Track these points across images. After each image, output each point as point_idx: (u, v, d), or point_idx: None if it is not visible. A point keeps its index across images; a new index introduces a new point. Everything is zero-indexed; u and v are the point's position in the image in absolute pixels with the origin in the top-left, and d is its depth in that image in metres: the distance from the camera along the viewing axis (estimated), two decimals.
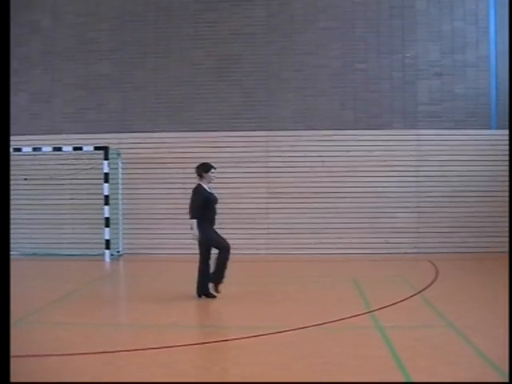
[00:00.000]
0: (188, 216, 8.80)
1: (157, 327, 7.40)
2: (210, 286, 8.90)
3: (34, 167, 14.41)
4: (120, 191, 14.45)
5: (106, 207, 13.67)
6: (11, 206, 11.55)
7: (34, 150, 13.98)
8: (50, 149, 13.97)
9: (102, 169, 13.67)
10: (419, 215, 14.38)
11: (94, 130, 14.69)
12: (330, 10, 14.73)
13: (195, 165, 9.13)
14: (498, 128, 14.21)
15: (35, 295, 9.42)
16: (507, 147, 12.96)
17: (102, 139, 14.25)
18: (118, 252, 14.28)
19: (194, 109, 14.78)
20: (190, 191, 8.93)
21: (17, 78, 14.73)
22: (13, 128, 13.09)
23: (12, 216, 11.31)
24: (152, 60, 14.93)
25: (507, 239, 13.15)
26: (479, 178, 14.23)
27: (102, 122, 14.85)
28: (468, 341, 6.39)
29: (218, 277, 8.81)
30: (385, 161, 14.39)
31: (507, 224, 13.46)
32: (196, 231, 8.66)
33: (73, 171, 14.31)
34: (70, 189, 14.49)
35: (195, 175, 9.06)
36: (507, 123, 13.48)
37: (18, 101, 14.75)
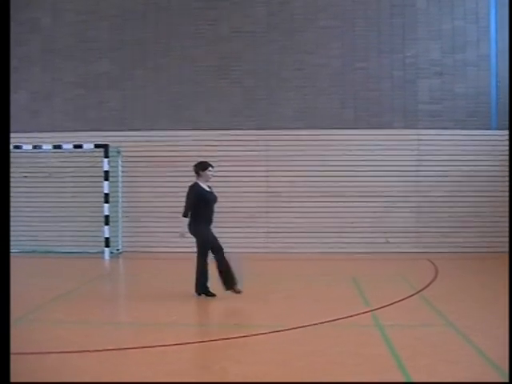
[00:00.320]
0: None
1: (157, 326, 7.40)
2: (209, 284, 8.90)
3: (34, 165, 14.40)
4: (120, 189, 14.44)
5: (106, 205, 13.67)
6: (11, 204, 11.57)
7: (35, 147, 13.98)
8: (50, 146, 13.97)
9: (102, 167, 13.67)
10: (419, 214, 14.39)
11: (94, 127, 14.69)
12: (330, 8, 14.72)
13: (195, 163, 9.13)
14: (498, 127, 14.20)
15: (35, 293, 9.41)
16: (507, 147, 12.97)
17: (103, 137, 14.23)
18: (118, 250, 14.28)
19: (194, 107, 14.77)
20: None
21: (17, 76, 14.72)
22: (13, 126, 13.00)
23: (12, 213, 11.32)
24: (152, 58, 14.92)
25: (507, 239, 13.15)
26: (479, 177, 14.23)
27: (102, 120, 14.84)
28: (468, 340, 6.40)
29: (230, 282, 8.73)
30: (385, 160, 14.39)
31: (507, 224, 13.47)
32: (183, 229, 8.67)
33: (73, 169, 14.31)
34: (70, 186, 14.48)
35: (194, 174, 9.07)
36: (507, 123, 13.48)
37: (18, 99, 14.74)
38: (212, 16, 14.82)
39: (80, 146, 13.85)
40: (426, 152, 14.40)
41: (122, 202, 14.50)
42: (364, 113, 14.60)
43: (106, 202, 13.67)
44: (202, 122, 14.69)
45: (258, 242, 14.46)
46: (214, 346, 6.49)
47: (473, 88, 14.47)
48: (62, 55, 15.01)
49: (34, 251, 14.21)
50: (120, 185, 14.44)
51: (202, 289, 8.86)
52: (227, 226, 12.74)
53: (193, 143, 14.46)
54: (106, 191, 13.64)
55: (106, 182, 13.64)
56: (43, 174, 14.45)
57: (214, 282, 8.96)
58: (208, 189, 8.96)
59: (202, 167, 8.95)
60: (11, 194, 12.07)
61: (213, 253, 8.80)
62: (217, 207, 9.10)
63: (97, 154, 13.87)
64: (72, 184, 14.45)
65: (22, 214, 14.31)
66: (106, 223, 13.68)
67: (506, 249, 12.83)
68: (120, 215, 14.41)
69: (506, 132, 13.24)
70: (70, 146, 13.89)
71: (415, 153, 14.43)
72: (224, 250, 8.82)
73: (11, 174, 11.23)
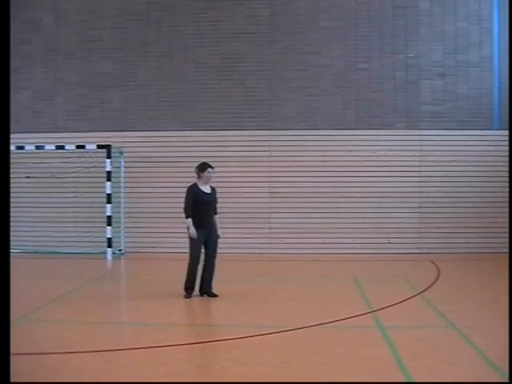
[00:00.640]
0: (184, 215, 8.83)
1: (158, 326, 7.40)
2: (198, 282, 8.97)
3: (36, 165, 14.41)
4: (122, 190, 14.45)
5: (109, 205, 13.68)
6: (13, 204, 11.59)
7: (37, 148, 14.00)
8: (52, 147, 13.99)
9: (104, 167, 13.68)
10: (421, 215, 14.36)
11: (96, 128, 14.71)
12: (332, 9, 14.71)
13: (197, 164, 9.14)
14: (500, 128, 14.17)
15: (36, 293, 9.42)
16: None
17: (105, 137, 14.24)
18: (120, 250, 14.29)
19: (197, 108, 14.78)
20: None
21: (19, 76, 14.75)
22: (15, 126, 13.14)
23: (14, 214, 11.36)
24: (154, 59, 14.93)
25: (508, 239, 13.12)
26: (481, 178, 14.20)
27: (104, 120, 14.85)
28: (469, 341, 6.39)
29: (185, 282, 8.89)
30: (387, 161, 14.38)
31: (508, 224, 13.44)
32: (192, 229, 8.69)
33: (75, 169, 14.32)
34: (73, 187, 14.48)
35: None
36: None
37: (20, 99, 14.77)
38: (214, 16, 14.82)
39: (82, 147, 13.87)
40: (428, 153, 14.39)
41: (125, 202, 14.51)
42: (366, 113, 14.59)
43: (109, 202, 13.67)
44: (205, 123, 14.69)
45: (260, 242, 14.45)
46: (215, 347, 6.49)
47: (475, 89, 14.45)
48: (64, 55, 15.02)
49: (36, 251, 14.22)
50: (122, 185, 14.45)
51: (205, 289, 8.96)
52: (229, 227, 12.72)
53: (195, 144, 14.46)
54: (108, 192, 13.64)
55: (109, 183, 13.64)
56: (45, 174, 14.45)
57: (215, 282, 8.99)
58: (208, 190, 8.97)
59: (201, 169, 8.98)
60: (13, 195, 12.09)
61: (189, 258, 8.88)
62: (219, 208, 9.12)
63: (99, 155, 13.88)
64: (74, 184, 14.44)
65: (24, 214, 14.33)
66: (109, 224, 13.68)
67: (507, 250, 12.79)
68: (122, 215, 14.42)
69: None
70: (73, 147, 13.90)
71: (417, 154, 14.41)
72: (214, 258, 8.92)
73: (13, 175, 11.21)
